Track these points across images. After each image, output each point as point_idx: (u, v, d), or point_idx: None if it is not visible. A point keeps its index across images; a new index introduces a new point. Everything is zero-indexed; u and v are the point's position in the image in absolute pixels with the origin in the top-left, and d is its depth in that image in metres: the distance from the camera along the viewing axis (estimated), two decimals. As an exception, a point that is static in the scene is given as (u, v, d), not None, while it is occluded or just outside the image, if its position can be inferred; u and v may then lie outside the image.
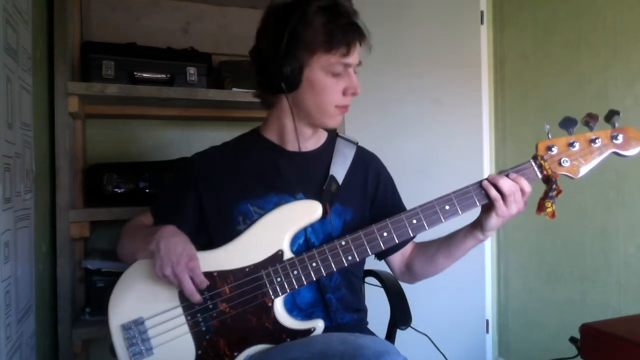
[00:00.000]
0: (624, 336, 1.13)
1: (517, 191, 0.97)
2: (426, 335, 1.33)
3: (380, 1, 2.26)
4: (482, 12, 2.43)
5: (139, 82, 1.60)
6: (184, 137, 1.95)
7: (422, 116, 2.33)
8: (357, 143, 1.20)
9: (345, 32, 1.01)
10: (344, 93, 1.05)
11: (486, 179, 0.99)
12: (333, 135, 1.20)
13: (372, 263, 1.29)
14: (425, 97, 2.34)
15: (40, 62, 1.43)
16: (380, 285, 1.29)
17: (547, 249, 2.18)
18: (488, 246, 2.47)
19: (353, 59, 1.03)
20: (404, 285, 1.27)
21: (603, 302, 1.92)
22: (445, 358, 1.40)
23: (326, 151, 1.16)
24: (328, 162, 1.13)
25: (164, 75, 1.65)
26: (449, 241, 1.10)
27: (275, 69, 1.01)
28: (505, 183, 0.96)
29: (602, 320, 1.26)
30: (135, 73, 1.61)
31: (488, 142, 2.46)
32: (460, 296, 2.34)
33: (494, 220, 0.99)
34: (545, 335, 2.16)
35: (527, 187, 0.98)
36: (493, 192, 0.97)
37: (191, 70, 1.68)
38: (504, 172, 1.00)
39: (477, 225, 1.03)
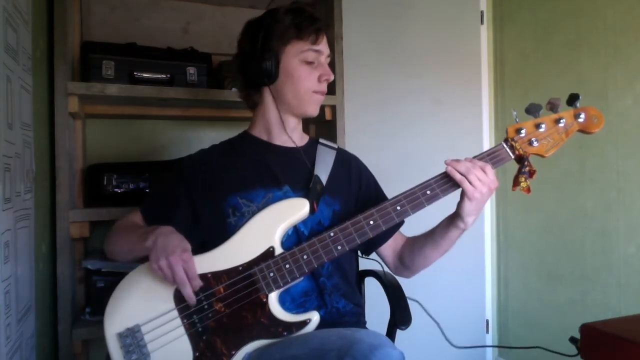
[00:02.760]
0: (624, 336, 1.13)
1: (474, 168, 1.01)
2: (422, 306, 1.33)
3: (381, 1, 2.26)
4: (482, 12, 2.43)
5: (139, 82, 1.60)
6: (184, 137, 1.95)
7: (422, 116, 2.33)
8: (337, 147, 1.28)
9: (312, 22, 1.14)
10: (319, 80, 1.15)
11: (446, 164, 1.04)
12: (315, 139, 1.28)
13: (372, 263, 1.29)
14: (425, 97, 2.34)
15: (40, 62, 1.43)
16: (380, 285, 1.29)
17: (548, 249, 2.18)
18: (488, 246, 2.47)
19: (322, 47, 1.16)
20: (404, 286, 1.27)
21: (603, 302, 1.92)
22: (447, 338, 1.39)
23: (310, 149, 1.24)
24: (312, 159, 1.21)
25: (164, 75, 1.65)
26: (434, 232, 1.15)
27: (256, 64, 1.13)
28: (462, 164, 1.02)
29: (602, 320, 1.26)
30: (135, 73, 1.61)
31: (488, 142, 2.46)
32: (460, 296, 2.34)
33: (467, 204, 1.03)
34: (545, 335, 2.16)
35: (483, 164, 1.02)
36: (457, 176, 1.02)
37: (191, 70, 1.68)
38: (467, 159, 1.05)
39: (456, 215, 1.07)
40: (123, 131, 1.88)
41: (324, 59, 1.16)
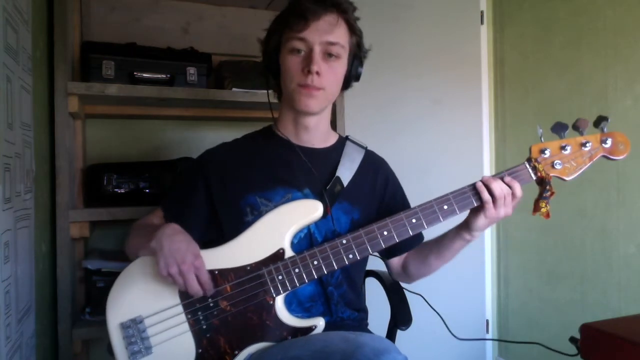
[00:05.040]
0: (624, 336, 1.13)
1: (508, 195, 0.99)
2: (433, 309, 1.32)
3: (380, 1, 2.26)
4: (482, 12, 2.43)
5: (139, 82, 1.60)
6: (184, 137, 1.95)
7: (422, 116, 2.33)
8: (367, 147, 1.22)
9: (303, 5, 1.03)
10: (302, 71, 1.05)
11: (480, 180, 1.01)
12: (344, 137, 1.23)
13: (372, 263, 1.29)
14: (425, 97, 2.34)
15: (40, 62, 1.43)
16: (381, 285, 1.29)
17: (548, 249, 2.18)
18: (488, 246, 2.47)
19: (308, 34, 1.03)
20: (404, 286, 1.27)
21: (603, 302, 1.92)
22: (452, 333, 1.39)
23: (335, 151, 1.18)
24: (336, 162, 1.16)
25: (164, 75, 1.65)
26: (439, 242, 1.12)
27: (263, 62, 1.12)
28: (497, 186, 0.99)
29: (602, 320, 1.26)
30: (135, 73, 1.61)
31: (488, 142, 2.46)
32: (460, 296, 2.34)
33: (481, 221, 1.01)
34: (545, 335, 2.16)
35: (519, 191, 1.00)
36: (485, 195, 0.99)
37: (191, 70, 1.68)
38: (499, 175, 1.02)
39: (465, 227, 1.05)
40: (123, 131, 1.88)
41: (317, 48, 1.03)
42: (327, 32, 1.04)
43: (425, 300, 1.37)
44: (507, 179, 1.00)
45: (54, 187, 1.48)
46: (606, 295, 1.91)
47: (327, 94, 1.09)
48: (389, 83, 2.28)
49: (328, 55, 1.06)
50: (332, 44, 1.05)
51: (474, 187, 1.02)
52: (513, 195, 1.00)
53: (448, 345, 1.42)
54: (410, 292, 1.28)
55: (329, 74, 1.07)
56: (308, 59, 1.04)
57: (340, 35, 1.06)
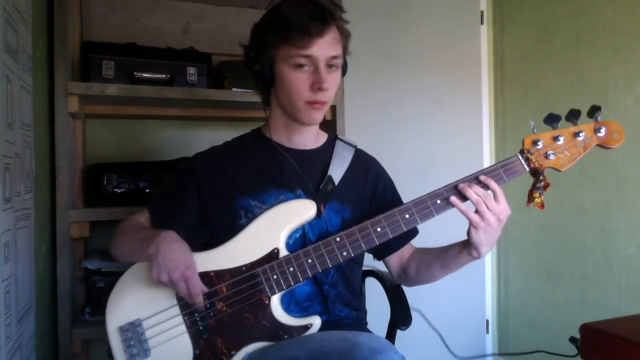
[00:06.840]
0: (624, 336, 1.13)
1: (487, 199, 0.97)
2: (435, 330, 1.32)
3: (380, 1, 2.26)
4: (482, 12, 2.43)
5: (139, 82, 1.60)
6: (184, 137, 1.95)
7: (422, 116, 2.33)
8: (356, 146, 1.22)
9: (305, 22, 1.00)
10: (311, 88, 1.04)
11: (456, 187, 0.99)
12: (333, 137, 1.23)
13: (372, 263, 1.29)
14: (425, 97, 2.34)
15: (40, 62, 1.43)
16: (380, 285, 1.29)
17: (547, 249, 2.18)
18: (488, 246, 2.47)
19: (314, 51, 1.01)
20: (405, 291, 1.27)
21: (603, 302, 1.92)
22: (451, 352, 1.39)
23: (325, 151, 1.19)
24: (327, 162, 1.16)
25: (164, 75, 1.65)
26: (445, 254, 1.11)
27: (253, 69, 1.09)
28: (471, 194, 0.97)
29: (602, 320, 1.26)
30: (135, 73, 1.61)
31: (488, 142, 2.46)
32: (460, 296, 2.34)
33: (474, 235, 0.99)
34: (545, 335, 2.16)
35: (497, 188, 0.98)
36: (462, 207, 0.98)
37: (191, 70, 1.68)
38: (474, 175, 1.01)
39: (468, 245, 1.03)
40: (123, 131, 1.88)
41: (322, 63, 1.03)
42: (331, 47, 1.04)
43: (424, 317, 1.37)
44: (482, 177, 0.99)
45: (54, 187, 1.48)
46: (606, 295, 1.91)
47: (329, 104, 1.10)
48: (389, 83, 2.28)
49: (329, 67, 1.05)
50: (335, 57, 1.05)
51: (468, 179, 1.01)
52: (494, 195, 0.98)
53: (448, 343, 1.42)
54: (410, 308, 1.27)
55: (332, 86, 1.07)
56: (316, 76, 1.03)
57: (340, 47, 1.07)
